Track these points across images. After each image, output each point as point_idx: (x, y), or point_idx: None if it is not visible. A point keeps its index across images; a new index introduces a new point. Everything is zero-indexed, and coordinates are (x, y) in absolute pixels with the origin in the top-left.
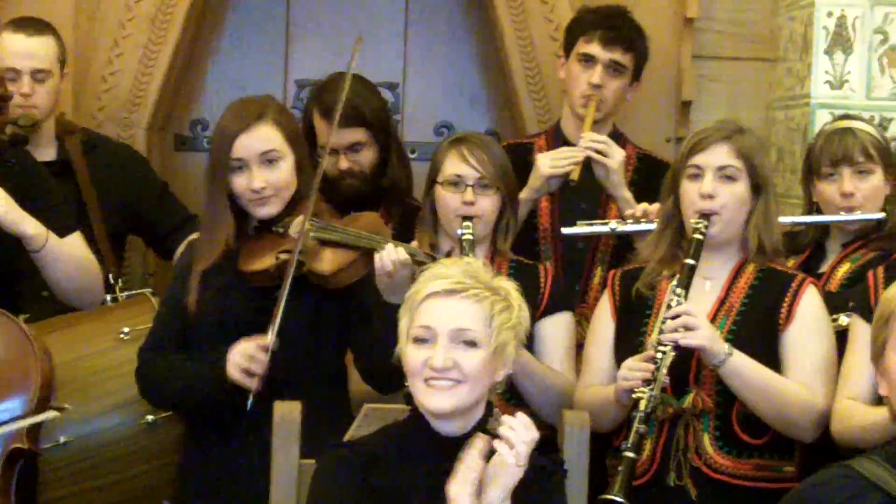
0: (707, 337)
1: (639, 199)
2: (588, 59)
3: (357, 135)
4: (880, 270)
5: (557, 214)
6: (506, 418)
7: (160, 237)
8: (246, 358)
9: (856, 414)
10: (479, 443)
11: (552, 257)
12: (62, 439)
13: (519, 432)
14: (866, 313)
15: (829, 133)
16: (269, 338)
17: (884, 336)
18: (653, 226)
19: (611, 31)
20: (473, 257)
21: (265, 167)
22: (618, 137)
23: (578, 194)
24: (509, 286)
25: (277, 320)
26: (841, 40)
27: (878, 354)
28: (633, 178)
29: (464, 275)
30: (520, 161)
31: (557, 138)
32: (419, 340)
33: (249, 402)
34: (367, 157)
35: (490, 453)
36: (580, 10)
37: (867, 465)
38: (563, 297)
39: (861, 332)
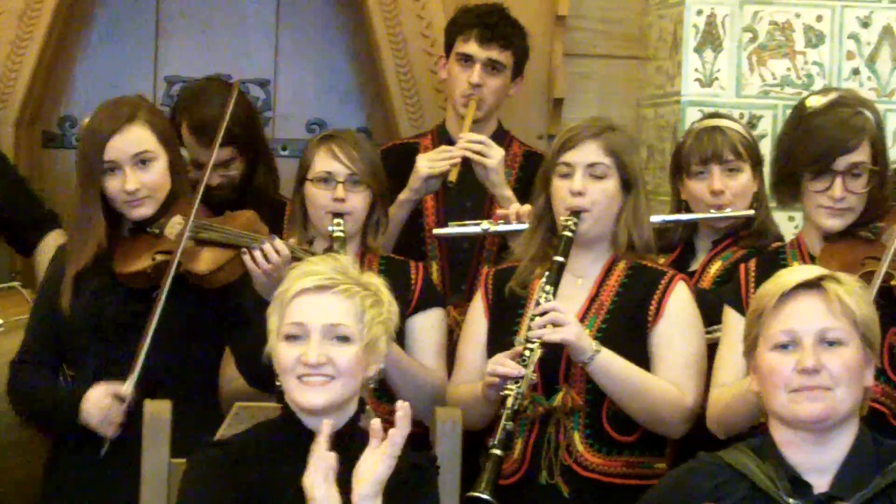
0: (574, 333)
1: (524, 197)
2: (466, 59)
3: (225, 153)
4: (752, 264)
5: (442, 213)
6: (399, 404)
7: (17, 232)
8: (100, 411)
9: (725, 394)
10: (325, 429)
11: (438, 256)
12: None
13: (399, 424)
14: (738, 305)
15: (699, 131)
16: (127, 386)
17: (756, 332)
18: (525, 226)
19: (487, 30)
20: (345, 254)
21: (138, 168)
22: (503, 135)
23: (463, 193)
24: (378, 281)
25: (137, 368)
26: (710, 38)
27: (750, 349)
28: (519, 175)
29: (333, 270)
30: (405, 161)
31: (442, 138)
32: (291, 337)
33: (104, 450)
34: (238, 169)
35: (342, 442)
36: (458, 9)
37: (734, 455)
38: (434, 293)
39: (733, 323)
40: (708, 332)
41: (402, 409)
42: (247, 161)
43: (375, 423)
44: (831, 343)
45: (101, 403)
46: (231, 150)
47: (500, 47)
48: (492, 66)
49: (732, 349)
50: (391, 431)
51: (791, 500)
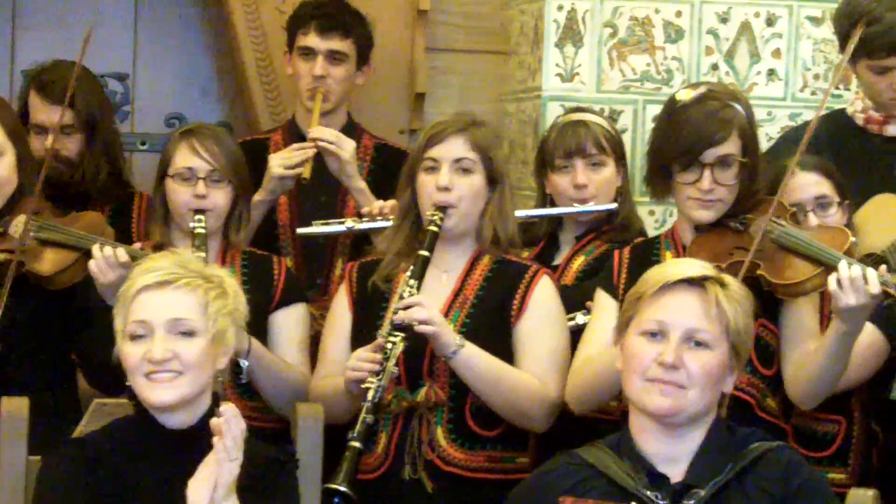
0: (437, 328)
1: (377, 189)
2: (308, 52)
3: (65, 115)
4: (626, 251)
5: (296, 209)
6: (223, 409)
7: None
8: None
9: (591, 364)
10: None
11: (292, 252)
12: None
13: (229, 425)
14: (610, 289)
15: (563, 125)
16: None
17: (630, 313)
18: (389, 223)
19: (325, 20)
20: (205, 251)
21: None
22: (353, 127)
23: (317, 187)
24: (223, 273)
25: None
26: (571, 34)
27: (621, 328)
28: (371, 168)
29: (174, 265)
30: (256, 158)
31: (293, 133)
32: (136, 336)
33: None
34: (74, 144)
35: (196, 438)
36: (298, 4)
37: (592, 452)
38: (297, 288)
39: (604, 305)
40: (569, 318)
41: (226, 414)
42: (84, 141)
43: (216, 422)
44: (697, 343)
45: None
46: (70, 114)
47: (340, 37)
48: (333, 57)
49: (601, 329)
50: (217, 441)
51: (648, 493)
